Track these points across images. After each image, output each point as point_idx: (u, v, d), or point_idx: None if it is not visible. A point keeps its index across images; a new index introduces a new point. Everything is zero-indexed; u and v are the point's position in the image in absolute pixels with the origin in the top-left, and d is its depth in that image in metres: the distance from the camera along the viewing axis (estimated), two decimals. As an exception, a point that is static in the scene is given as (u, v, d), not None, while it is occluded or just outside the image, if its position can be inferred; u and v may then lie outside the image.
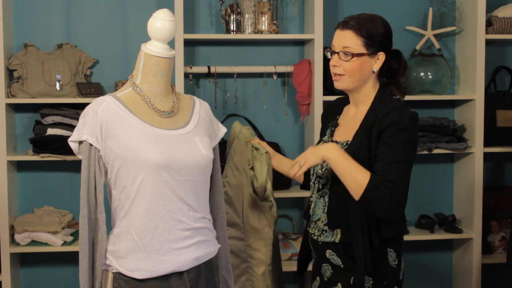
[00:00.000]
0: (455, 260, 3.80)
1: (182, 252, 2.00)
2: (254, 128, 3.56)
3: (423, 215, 3.74)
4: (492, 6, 3.62)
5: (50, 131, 3.27)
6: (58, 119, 3.30)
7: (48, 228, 3.30)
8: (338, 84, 2.26)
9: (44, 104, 3.36)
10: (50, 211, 3.43)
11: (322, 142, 2.38)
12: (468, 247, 3.62)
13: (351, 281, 2.22)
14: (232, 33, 3.44)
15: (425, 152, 3.51)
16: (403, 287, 2.32)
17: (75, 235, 3.42)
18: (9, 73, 3.35)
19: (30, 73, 3.31)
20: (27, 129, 3.46)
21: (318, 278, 2.34)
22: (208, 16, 3.58)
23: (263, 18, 3.42)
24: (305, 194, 3.36)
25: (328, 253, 2.28)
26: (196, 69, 3.46)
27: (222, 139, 2.25)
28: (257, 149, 2.58)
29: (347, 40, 2.22)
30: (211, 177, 2.16)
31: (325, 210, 2.28)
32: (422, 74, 3.57)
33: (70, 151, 3.08)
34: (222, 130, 2.24)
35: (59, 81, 3.34)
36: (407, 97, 3.54)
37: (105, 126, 1.94)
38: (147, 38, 2.04)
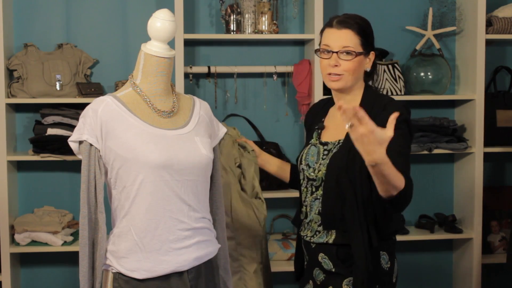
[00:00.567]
0: (455, 260, 3.80)
1: (182, 252, 2.00)
2: (254, 128, 3.56)
3: (423, 215, 3.73)
4: (492, 6, 3.62)
5: (50, 131, 3.27)
6: (58, 119, 3.30)
7: (48, 228, 3.30)
8: (338, 84, 2.23)
9: (44, 104, 3.36)
10: (50, 211, 3.43)
11: (310, 145, 2.34)
12: (468, 247, 3.62)
13: (343, 285, 2.19)
14: (232, 33, 3.44)
15: (425, 152, 3.51)
16: None
17: (75, 235, 3.42)
18: (9, 73, 3.35)
19: (30, 73, 3.31)
20: (27, 129, 3.46)
21: (311, 282, 2.32)
22: (208, 16, 3.58)
23: (263, 18, 3.42)
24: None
25: (321, 256, 2.26)
26: (196, 69, 3.46)
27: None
28: (244, 147, 2.58)
29: (348, 39, 2.20)
30: (211, 177, 2.16)
31: (318, 212, 2.26)
32: (422, 74, 3.57)
33: (70, 151, 3.08)
34: (222, 130, 2.25)
35: (59, 81, 3.34)
36: (408, 97, 3.55)
37: (105, 126, 1.95)
38: (147, 38, 2.04)
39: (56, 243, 3.30)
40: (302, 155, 2.35)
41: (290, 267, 3.21)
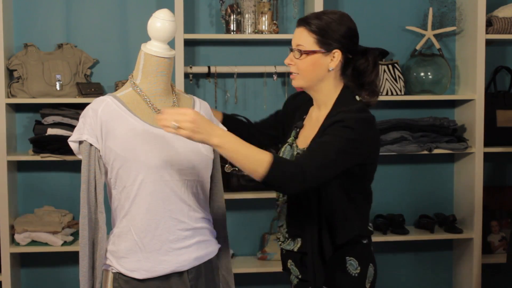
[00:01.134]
0: (455, 260, 3.80)
1: (182, 252, 2.00)
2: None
3: (423, 215, 3.73)
4: (492, 6, 3.62)
5: (50, 131, 3.27)
6: (58, 119, 3.30)
7: (48, 228, 3.30)
8: (294, 83, 2.18)
9: (44, 104, 3.36)
10: (50, 211, 3.42)
11: (287, 144, 2.27)
12: (468, 247, 3.62)
13: None
14: (232, 33, 3.44)
15: (425, 152, 3.51)
16: None
17: (75, 235, 3.42)
18: (9, 73, 3.35)
19: (30, 73, 3.31)
20: (27, 129, 3.46)
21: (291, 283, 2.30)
22: (208, 16, 3.58)
23: (263, 18, 3.42)
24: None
25: (289, 263, 2.24)
26: (196, 69, 3.46)
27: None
28: None
29: (300, 37, 2.13)
30: (211, 177, 2.16)
31: (286, 217, 2.23)
32: (422, 74, 3.57)
33: (70, 151, 3.07)
34: (222, 130, 2.24)
35: (59, 81, 3.34)
36: (408, 97, 3.55)
37: (105, 126, 1.95)
38: (147, 38, 2.04)
39: (56, 243, 3.30)
40: (279, 153, 2.29)
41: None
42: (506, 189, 3.81)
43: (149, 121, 2.00)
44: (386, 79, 3.52)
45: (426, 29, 3.62)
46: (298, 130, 2.27)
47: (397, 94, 3.53)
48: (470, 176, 3.59)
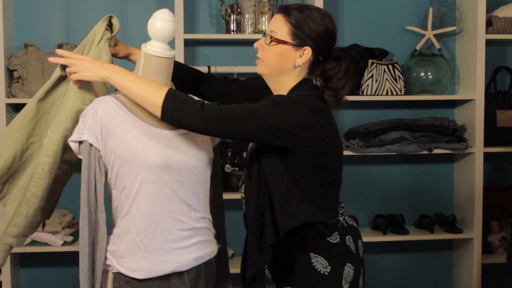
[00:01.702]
0: (455, 260, 3.80)
1: (182, 252, 2.00)
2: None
3: (423, 215, 3.73)
4: (492, 6, 3.62)
5: (50, 131, 3.27)
6: (58, 119, 3.29)
7: (48, 228, 3.29)
8: (257, 68, 2.08)
9: (44, 104, 3.36)
10: (50, 211, 3.42)
11: None
12: (468, 247, 3.62)
13: None
14: (232, 33, 3.44)
15: (425, 152, 3.51)
16: None
17: (75, 235, 3.42)
18: (9, 73, 3.36)
19: (30, 73, 3.31)
20: (27, 129, 3.46)
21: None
22: (208, 16, 3.58)
23: (263, 18, 3.42)
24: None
25: None
26: (196, 69, 3.46)
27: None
28: None
29: (275, 24, 2.03)
30: (211, 177, 2.16)
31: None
32: (422, 74, 3.57)
33: (70, 151, 3.07)
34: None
35: (59, 81, 3.34)
36: (408, 97, 3.55)
37: (105, 126, 1.95)
38: (147, 38, 2.04)
39: (56, 243, 3.30)
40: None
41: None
42: (506, 189, 3.81)
43: (149, 121, 2.00)
44: (386, 79, 3.52)
45: (426, 29, 3.62)
46: None
47: (397, 94, 3.53)
48: (470, 176, 3.59)
